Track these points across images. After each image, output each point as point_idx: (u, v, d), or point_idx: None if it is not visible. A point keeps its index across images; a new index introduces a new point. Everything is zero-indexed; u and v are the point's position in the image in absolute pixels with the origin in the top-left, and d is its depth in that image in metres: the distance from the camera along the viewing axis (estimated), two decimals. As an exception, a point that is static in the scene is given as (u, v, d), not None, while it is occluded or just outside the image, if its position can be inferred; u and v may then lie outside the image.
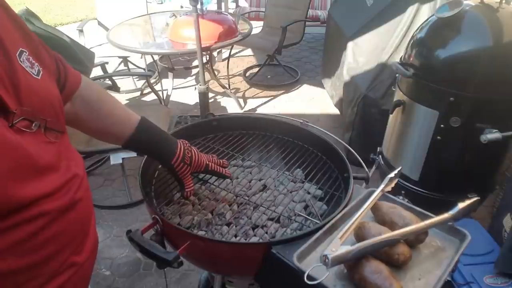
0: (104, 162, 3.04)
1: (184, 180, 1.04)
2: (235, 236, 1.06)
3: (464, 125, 1.56)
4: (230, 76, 4.35)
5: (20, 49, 0.69)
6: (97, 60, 3.14)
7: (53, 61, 0.83)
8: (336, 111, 3.55)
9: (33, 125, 0.66)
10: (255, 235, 1.07)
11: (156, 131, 1.02)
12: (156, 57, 3.98)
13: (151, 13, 4.09)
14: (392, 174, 1.01)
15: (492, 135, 1.49)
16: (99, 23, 3.89)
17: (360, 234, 0.87)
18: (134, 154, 2.45)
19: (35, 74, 0.70)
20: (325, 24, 4.22)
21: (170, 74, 3.82)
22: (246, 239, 1.05)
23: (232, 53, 4.42)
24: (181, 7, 5.83)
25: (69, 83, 0.86)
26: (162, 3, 7.19)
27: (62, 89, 0.83)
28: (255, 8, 5.25)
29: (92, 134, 1.01)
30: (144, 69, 4.30)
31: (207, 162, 1.08)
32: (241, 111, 3.79)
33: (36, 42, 0.77)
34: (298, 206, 1.16)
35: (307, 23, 4.25)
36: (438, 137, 1.64)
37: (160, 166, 1.26)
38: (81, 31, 3.58)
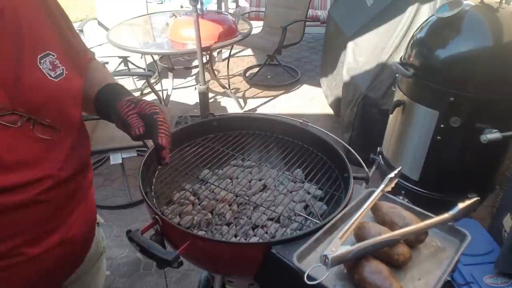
0: (104, 162, 3.04)
1: (128, 119, 0.83)
2: (235, 236, 1.06)
3: (464, 125, 1.56)
4: (230, 76, 4.35)
5: (47, 51, 0.75)
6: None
7: (87, 56, 0.93)
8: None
9: (19, 120, 0.70)
10: (255, 235, 1.07)
11: (116, 86, 0.94)
12: (156, 57, 3.98)
13: (151, 13, 4.09)
14: (392, 174, 1.01)
15: (492, 135, 1.49)
16: (99, 23, 3.89)
17: (360, 234, 0.87)
18: (134, 154, 2.46)
19: (53, 76, 0.75)
20: (325, 24, 4.22)
21: (170, 74, 3.82)
22: (246, 239, 1.05)
23: (232, 53, 4.42)
24: (181, 7, 5.83)
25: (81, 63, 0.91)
26: (162, 3, 7.20)
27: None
28: (255, 8, 5.25)
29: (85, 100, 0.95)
30: (144, 69, 4.30)
31: (157, 112, 0.85)
32: (241, 111, 3.79)
33: (74, 43, 0.84)
34: (298, 206, 1.16)
35: (307, 23, 4.25)
36: (438, 137, 1.64)
37: (159, 166, 1.26)
38: (81, 31, 3.58)
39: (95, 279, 1.12)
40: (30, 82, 0.71)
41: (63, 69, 0.78)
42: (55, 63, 0.76)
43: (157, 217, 0.96)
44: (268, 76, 4.54)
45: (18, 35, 0.71)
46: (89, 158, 0.95)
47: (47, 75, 0.74)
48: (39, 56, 0.74)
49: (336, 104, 3.36)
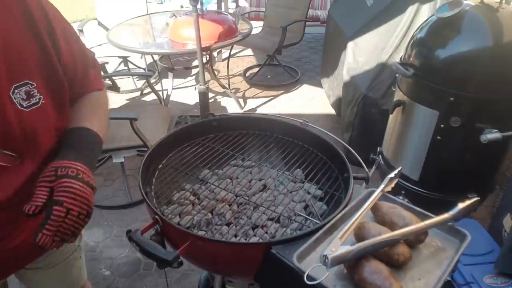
0: (104, 162, 3.04)
1: (36, 189, 0.74)
2: (235, 236, 1.06)
3: (464, 125, 1.56)
4: (230, 76, 4.35)
5: (26, 81, 0.73)
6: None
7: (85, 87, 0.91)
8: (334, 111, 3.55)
9: None
10: (255, 235, 1.07)
11: (83, 140, 0.86)
12: (156, 57, 3.97)
13: (151, 13, 4.09)
14: (392, 174, 1.01)
15: (492, 135, 1.49)
16: (99, 23, 3.89)
17: (360, 234, 0.87)
18: (135, 153, 2.46)
19: (25, 106, 0.73)
20: (325, 24, 4.22)
21: (170, 74, 3.81)
22: (246, 239, 1.05)
23: (232, 53, 4.42)
24: (181, 7, 5.82)
25: (78, 89, 0.91)
26: (162, 3, 7.19)
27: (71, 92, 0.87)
28: (255, 8, 5.25)
29: None
30: (144, 69, 4.30)
31: (61, 203, 0.72)
32: (241, 111, 3.79)
33: (57, 67, 0.79)
34: (298, 206, 1.16)
35: (307, 23, 4.25)
36: (438, 137, 1.64)
37: (160, 166, 1.26)
38: (81, 31, 3.58)
39: (69, 272, 1.18)
40: None
41: (39, 98, 0.76)
42: (32, 92, 0.74)
43: (157, 217, 0.96)
44: (268, 76, 4.54)
45: None
46: None
47: (18, 104, 0.72)
48: (14, 86, 0.72)
49: (338, 104, 3.36)
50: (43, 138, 0.80)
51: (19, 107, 0.72)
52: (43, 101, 0.76)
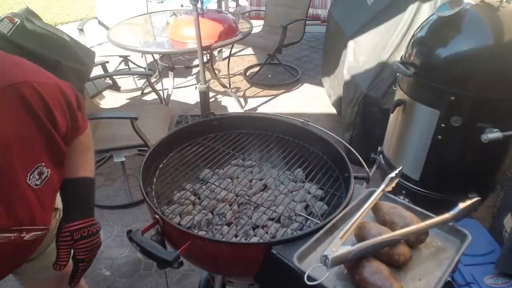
0: (104, 162, 3.04)
1: (60, 250, 0.97)
2: (236, 236, 1.06)
3: (465, 124, 1.55)
4: (230, 75, 4.34)
5: (37, 165, 0.81)
6: (97, 59, 3.13)
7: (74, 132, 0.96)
8: (335, 110, 3.55)
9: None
10: (255, 235, 1.07)
11: (82, 190, 1.01)
12: (156, 56, 3.97)
13: (152, 12, 4.09)
14: (392, 174, 1.01)
15: (493, 134, 1.49)
16: (100, 22, 3.89)
17: (360, 234, 0.87)
18: (135, 152, 2.46)
19: (39, 184, 0.82)
20: (326, 23, 4.22)
21: (171, 73, 3.81)
22: (246, 239, 1.05)
23: (232, 52, 4.41)
24: (182, 6, 5.82)
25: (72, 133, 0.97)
26: (162, 2, 7.19)
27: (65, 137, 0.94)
28: (255, 7, 5.25)
29: None
30: (144, 68, 4.30)
31: (83, 260, 0.99)
32: (242, 111, 3.79)
33: (57, 140, 0.85)
34: (299, 206, 1.16)
35: (307, 22, 4.25)
36: (439, 137, 1.63)
37: (160, 166, 1.26)
38: (81, 30, 3.58)
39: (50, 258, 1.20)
40: (20, 200, 0.78)
41: (48, 171, 0.84)
42: (42, 170, 0.82)
43: (157, 217, 0.96)
44: (269, 75, 4.53)
45: (4, 157, 0.74)
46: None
47: (34, 186, 0.81)
48: (29, 174, 0.79)
49: (339, 103, 3.35)
50: (50, 199, 0.90)
51: (35, 187, 0.81)
52: (51, 172, 0.84)
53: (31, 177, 0.80)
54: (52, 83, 0.86)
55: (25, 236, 0.83)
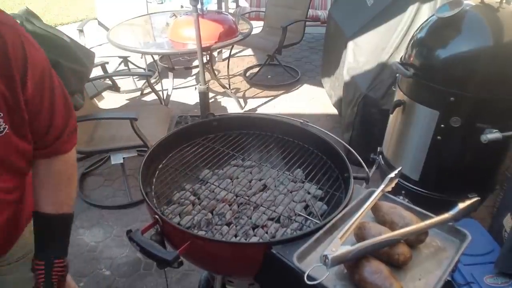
0: (104, 162, 3.04)
1: (35, 276, 0.98)
2: (235, 236, 1.06)
3: (464, 125, 1.56)
4: (230, 76, 4.35)
5: None
6: (97, 60, 3.14)
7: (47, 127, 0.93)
8: (336, 111, 3.55)
9: None
10: (255, 235, 1.07)
11: (65, 228, 1.01)
12: (156, 57, 3.97)
13: (151, 13, 4.09)
14: (392, 174, 1.01)
15: (493, 135, 1.49)
16: (99, 23, 3.89)
17: (360, 234, 0.87)
18: (134, 154, 2.46)
19: None
20: (325, 24, 4.22)
21: (171, 74, 3.81)
22: (246, 239, 1.05)
23: (232, 53, 4.42)
24: (182, 7, 5.82)
25: (52, 149, 0.96)
26: (162, 3, 7.19)
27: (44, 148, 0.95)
28: (255, 8, 5.25)
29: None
30: (144, 69, 4.30)
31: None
32: (242, 111, 3.79)
33: (19, 99, 0.84)
34: (298, 206, 1.16)
35: (307, 23, 4.25)
36: (438, 137, 1.64)
37: (160, 166, 1.26)
38: (81, 31, 3.58)
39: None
40: None
41: (4, 127, 0.83)
42: None
43: (157, 217, 0.96)
44: (269, 76, 4.53)
45: None
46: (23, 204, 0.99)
47: None
48: None
49: (340, 104, 3.35)
50: (16, 159, 0.89)
51: None
52: (7, 131, 0.83)
53: None
54: (42, 55, 0.86)
55: None
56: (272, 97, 4.07)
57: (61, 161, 0.99)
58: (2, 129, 0.83)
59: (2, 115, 0.82)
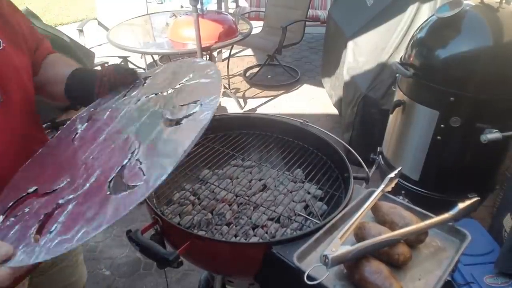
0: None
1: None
2: (235, 236, 1.06)
3: (464, 125, 1.56)
4: (230, 76, 4.35)
5: None
6: (97, 60, 3.15)
7: (35, 39, 1.00)
8: (336, 111, 3.55)
9: None
10: (255, 235, 1.07)
11: (85, 72, 1.01)
12: (156, 57, 3.97)
13: (151, 13, 4.09)
14: (392, 174, 1.01)
15: (492, 135, 1.49)
16: (99, 23, 3.89)
17: (360, 234, 0.87)
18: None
19: None
20: (325, 24, 4.22)
21: (170, 74, 3.81)
22: (246, 239, 1.05)
23: (232, 53, 4.42)
24: (181, 7, 5.82)
25: (37, 53, 1.01)
26: (162, 3, 7.18)
27: (33, 59, 0.98)
28: (255, 8, 5.25)
29: (45, 92, 1.04)
30: (144, 69, 4.30)
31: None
32: (241, 111, 3.79)
33: (14, 23, 0.89)
34: (298, 206, 1.16)
35: (307, 23, 4.25)
36: (438, 137, 1.64)
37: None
38: (81, 31, 3.58)
39: (71, 272, 1.22)
40: None
41: (0, 43, 0.83)
42: None
43: (157, 217, 0.96)
44: (268, 76, 4.54)
45: None
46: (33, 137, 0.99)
47: None
48: None
49: (340, 104, 3.36)
50: (15, 80, 0.88)
51: None
52: (4, 45, 0.83)
53: None
54: None
55: None
56: (272, 97, 4.07)
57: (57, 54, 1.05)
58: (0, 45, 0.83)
59: None
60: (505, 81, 1.50)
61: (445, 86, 1.56)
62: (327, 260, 0.75)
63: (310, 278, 0.75)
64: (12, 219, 0.73)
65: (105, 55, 3.73)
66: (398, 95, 1.81)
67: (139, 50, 3.25)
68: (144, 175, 0.67)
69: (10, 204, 0.77)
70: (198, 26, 2.40)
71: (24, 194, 0.78)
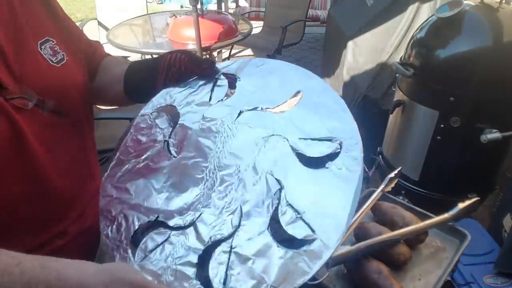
0: (104, 162, 3.03)
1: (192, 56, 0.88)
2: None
3: (464, 125, 1.56)
4: (230, 76, 4.34)
5: (47, 37, 0.77)
6: (97, 60, 3.14)
7: (91, 47, 0.95)
8: (336, 111, 3.55)
9: (30, 103, 0.71)
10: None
11: (142, 63, 0.97)
12: (156, 57, 3.97)
13: (151, 13, 4.09)
14: (392, 174, 1.01)
15: (492, 135, 1.49)
16: (99, 23, 3.89)
17: (360, 234, 0.87)
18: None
19: (55, 61, 0.77)
20: (325, 24, 4.22)
21: (170, 74, 3.81)
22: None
23: (232, 53, 4.42)
24: (181, 7, 5.83)
25: (94, 58, 0.95)
26: (162, 3, 7.19)
27: (90, 66, 0.92)
28: (255, 8, 5.25)
29: (104, 97, 1.01)
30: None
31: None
32: (241, 111, 3.79)
33: (73, 32, 0.86)
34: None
35: (307, 23, 4.25)
36: (438, 137, 1.64)
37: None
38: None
39: None
40: (33, 67, 0.73)
41: (63, 55, 0.79)
42: (55, 48, 0.78)
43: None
44: (268, 76, 4.53)
45: (15, 23, 0.72)
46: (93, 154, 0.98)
47: (49, 60, 0.76)
48: (39, 42, 0.75)
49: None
50: (77, 96, 0.83)
51: (50, 63, 0.76)
52: (67, 58, 0.79)
53: (42, 47, 0.76)
54: None
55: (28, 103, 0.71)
56: (272, 97, 4.07)
57: (110, 59, 1.00)
58: (62, 56, 0.79)
59: (55, 41, 0.78)
60: (505, 81, 1.50)
61: (445, 86, 1.56)
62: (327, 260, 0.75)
63: (310, 278, 0.75)
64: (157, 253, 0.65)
65: (105, 55, 3.72)
66: (398, 95, 1.81)
67: (139, 50, 3.25)
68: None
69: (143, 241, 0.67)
70: (198, 26, 2.40)
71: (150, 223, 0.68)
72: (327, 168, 0.64)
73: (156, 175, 0.73)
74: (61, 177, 0.77)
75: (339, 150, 0.65)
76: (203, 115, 0.78)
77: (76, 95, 0.82)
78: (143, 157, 0.78)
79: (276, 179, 0.64)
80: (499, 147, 1.63)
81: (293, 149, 0.67)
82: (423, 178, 1.76)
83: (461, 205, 0.90)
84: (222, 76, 0.85)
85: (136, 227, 0.68)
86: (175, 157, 0.75)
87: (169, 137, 0.78)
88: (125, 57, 4.04)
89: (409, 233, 0.84)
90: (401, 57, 1.86)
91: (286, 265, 0.57)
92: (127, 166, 0.78)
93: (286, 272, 0.56)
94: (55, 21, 0.81)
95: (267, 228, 0.60)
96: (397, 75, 1.86)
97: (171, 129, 0.80)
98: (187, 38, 3.12)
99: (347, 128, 0.68)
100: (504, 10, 1.55)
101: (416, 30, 1.81)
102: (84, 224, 0.86)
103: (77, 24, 3.73)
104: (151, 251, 0.65)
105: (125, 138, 0.84)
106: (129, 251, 0.66)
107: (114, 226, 0.70)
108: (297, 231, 0.59)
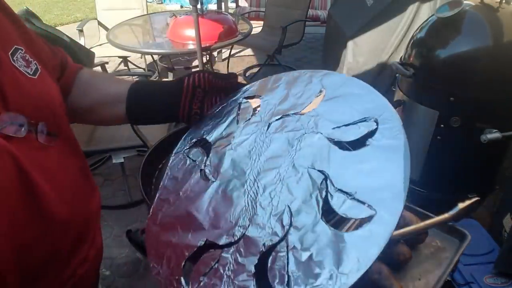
0: (104, 162, 3.04)
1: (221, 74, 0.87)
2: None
3: (464, 125, 1.56)
4: (230, 76, 4.34)
5: (15, 46, 0.66)
6: (97, 60, 3.14)
7: (57, 57, 0.81)
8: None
9: (22, 129, 0.61)
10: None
11: (152, 85, 0.90)
12: (156, 57, 3.97)
13: (151, 13, 4.09)
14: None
15: (492, 135, 1.49)
16: (99, 23, 3.89)
17: (360, 234, 0.87)
18: (135, 153, 2.46)
19: (31, 73, 0.66)
20: (325, 24, 4.22)
21: (170, 74, 3.82)
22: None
23: (232, 53, 4.42)
24: (181, 7, 5.83)
25: (67, 72, 0.83)
26: (162, 3, 7.20)
27: (60, 78, 0.80)
28: (255, 8, 5.25)
29: (93, 118, 0.90)
30: (144, 69, 4.30)
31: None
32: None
33: (35, 39, 0.74)
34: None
35: (307, 23, 4.25)
36: (438, 137, 1.64)
37: (160, 166, 1.25)
38: (81, 31, 3.58)
39: None
40: (13, 85, 0.62)
41: (36, 64, 0.68)
42: (26, 57, 0.67)
43: (157, 217, 0.95)
44: (269, 76, 4.53)
45: None
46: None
47: (25, 72, 0.65)
48: (9, 53, 0.64)
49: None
50: (61, 111, 0.73)
51: (27, 75, 0.65)
52: (40, 67, 0.69)
53: (14, 58, 0.64)
54: None
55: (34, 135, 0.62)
56: (272, 97, 4.07)
57: (88, 69, 0.89)
58: (37, 67, 0.68)
59: (23, 50, 0.67)
60: (505, 81, 1.50)
61: (445, 86, 1.56)
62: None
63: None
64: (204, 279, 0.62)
65: (105, 55, 3.73)
66: (398, 95, 1.81)
67: (139, 50, 3.25)
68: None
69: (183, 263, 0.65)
70: (198, 26, 2.40)
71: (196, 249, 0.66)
72: (368, 145, 0.62)
73: (198, 203, 0.72)
74: (66, 204, 0.68)
75: (376, 126, 0.64)
76: (233, 137, 0.78)
77: (61, 111, 0.72)
78: (182, 191, 0.77)
79: (318, 170, 0.63)
80: (499, 147, 1.63)
81: (329, 139, 0.66)
82: (423, 178, 1.76)
83: (461, 205, 0.90)
84: (244, 100, 0.86)
85: (187, 256, 0.66)
86: (213, 181, 0.74)
87: (205, 166, 0.78)
88: (125, 57, 4.06)
89: (409, 233, 0.83)
90: (401, 57, 1.86)
91: (352, 248, 0.53)
92: (168, 204, 0.76)
93: (355, 254, 0.53)
94: (16, 26, 0.70)
95: (321, 218, 0.58)
96: (397, 75, 1.86)
97: (205, 157, 0.80)
98: (187, 38, 3.12)
99: (378, 105, 0.68)
100: (504, 10, 1.55)
101: (416, 30, 1.81)
102: (98, 244, 0.80)
103: (77, 24, 3.76)
104: (205, 274, 0.62)
105: (162, 179, 0.82)
106: (183, 281, 0.64)
107: (164, 262, 0.68)
108: (353, 211, 0.57)
